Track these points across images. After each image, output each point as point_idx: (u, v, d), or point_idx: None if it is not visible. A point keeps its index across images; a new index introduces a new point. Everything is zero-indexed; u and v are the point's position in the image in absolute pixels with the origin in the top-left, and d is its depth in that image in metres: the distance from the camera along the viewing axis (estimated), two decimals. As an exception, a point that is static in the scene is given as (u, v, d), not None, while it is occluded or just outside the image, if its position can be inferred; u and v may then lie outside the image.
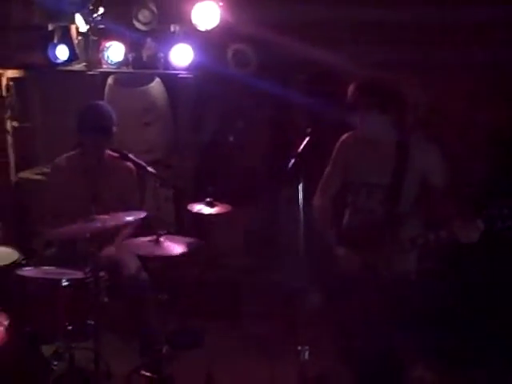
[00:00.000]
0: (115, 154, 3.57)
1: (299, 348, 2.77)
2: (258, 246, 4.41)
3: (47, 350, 3.21)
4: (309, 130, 2.86)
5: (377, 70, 3.00)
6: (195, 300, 4.01)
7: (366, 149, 2.96)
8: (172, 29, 4.48)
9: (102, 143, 3.55)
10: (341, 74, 3.98)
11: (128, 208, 3.41)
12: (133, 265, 3.49)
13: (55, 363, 3.14)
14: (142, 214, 3.13)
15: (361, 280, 2.86)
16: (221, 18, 4.27)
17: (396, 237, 2.85)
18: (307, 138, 2.82)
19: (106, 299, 3.14)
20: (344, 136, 3.07)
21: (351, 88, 2.90)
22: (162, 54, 4.45)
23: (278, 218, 4.29)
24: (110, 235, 3.43)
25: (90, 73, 4.62)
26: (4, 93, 4.70)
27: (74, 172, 3.61)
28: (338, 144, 3.08)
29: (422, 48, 4.18)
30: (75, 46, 4.63)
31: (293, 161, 2.73)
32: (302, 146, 2.79)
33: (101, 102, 3.63)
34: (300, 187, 2.70)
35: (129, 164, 3.53)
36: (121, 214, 3.12)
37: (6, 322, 3.08)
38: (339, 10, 4.19)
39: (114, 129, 3.56)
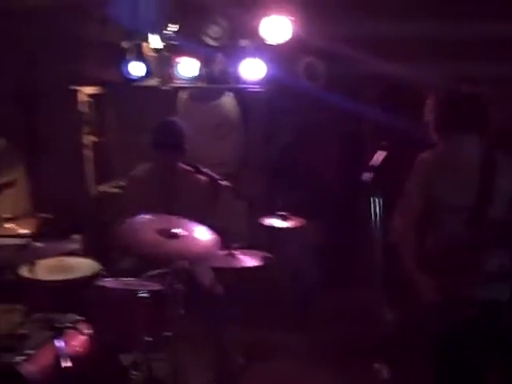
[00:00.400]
0: (188, 168, 3.66)
1: (376, 365, 2.73)
2: (329, 260, 4.39)
3: (126, 359, 3.29)
4: (384, 143, 2.80)
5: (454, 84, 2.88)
6: (268, 313, 4.03)
7: (449, 168, 2.80)
8: (242, 43, 4.55)
9: (174, 159, 3.62)
10: (413, 88, 3.93)
11: (200, 221, 3.48)
12: (208, 277, 3.53)
13: (134, 373, 3.21)
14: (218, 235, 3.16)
15: (440, 309, 2.72)
16: (292, 32, 4.30)
17: (482, 263, 2.68)
18: (383, 152, 2.76)
19: (182, 311, 3.20)
20: (424, 154, 2.90)
21: (434, 103, 2.76)
22: (232, 69, 4.53)
23: (350, 232, 4.26)
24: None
25: (163, 88, 4.74)
26: (83, 109, 4.88)
27: (149, 184, 3.69)
28: (417, 162, 2.90)
29: (502, 63, 4.08)
30: (149, 62, 4.78)
31: (369, 175, 2.67)
32: (378, 160, 2.73)
33: (174, 119, 3.70)
34: (376, 201, 2.66)
35: (201, 177, 3.61)
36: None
37: (87, 331, 3.19)
38: (412, 25, 4.15)
39: (187, 144, 3.62)
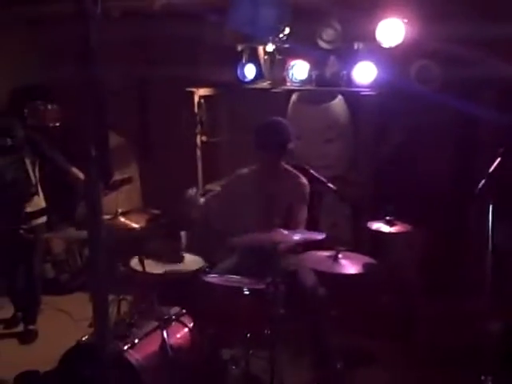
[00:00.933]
0: (291, 168, 3.67)
1: (482, 378, 2.62)
2: (436, 269, 4.25)
3: (225, 354, 3.35)
4: (501, 150, 2.69)
5: None
6: (369, 319, 3.96)
7: None
8: (355, 46, 4.51)
9: (276, 159, 3.64)
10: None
11: (296, 222, 3.49)
12: (310, 279, 3.53)
13: (233, 367, 3.27)
14: (321, 236, 3.16)
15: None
16: (405, 35, 4.22)
17: None
18: (499, 158, 2.65)
19: (282, 311, 3.21)
20: None
21: None
22: (344, 72, 4.50)
23: (458, 239, 4.12)
24: (289, 247, 3.50)
25: (274, 90, 4.80)
26: (196, 109, 5.04)
27: (252, 184, 3.73)
28: None
29: None
30: (262, 65, 4.86)
31: (483, 181, 2.58)
32: (493, 166, 2.63)
33: (278, 119, 3.70)
34: (490, 209, 2.56)
35: (303, 178, 3.61)
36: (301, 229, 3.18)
37: (190, 324, 3.29)
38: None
39: (291, 145, 3.59)
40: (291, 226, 3.46)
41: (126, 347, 2.95)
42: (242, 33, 4.40)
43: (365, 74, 4.36)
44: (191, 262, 3.86)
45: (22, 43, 5.76)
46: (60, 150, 4.92)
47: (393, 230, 3.47)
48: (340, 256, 3.19)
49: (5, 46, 5.60)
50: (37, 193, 4.37)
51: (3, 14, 5.47)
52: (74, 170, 4.40)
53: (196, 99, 5.06)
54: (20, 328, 4.60)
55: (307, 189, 3.65)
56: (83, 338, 3.07)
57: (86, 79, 2.27)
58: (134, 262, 3.76)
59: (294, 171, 3.69)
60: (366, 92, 4.39)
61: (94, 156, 2.47)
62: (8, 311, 4.78)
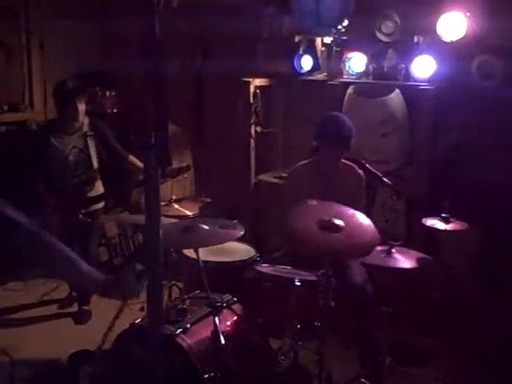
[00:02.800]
0: (347, 162, 3.66)
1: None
2: (491, 269, 4.17)
3: (274, 344, 3.37)
4: None
5: None
6: (420, 316, 3.93)
7: None
8: (415, 40, 4.45)
9: (339, 154, 3.63)
10: None
11: None
12: (360, 274, 3.52)
13: (282, 358, 3.29)
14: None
15: None
16: (467, 29, 4.14)
17: None
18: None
19: (332, 303, 3.21)
20: None
21: None
22: (403, 65, 4.44)
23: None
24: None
25: (330, 82, 4.77)
26: (251, 99, 5.06)
27: (309, 179, 3.73)
28: None
29: None
30: (319, 56, 4.85)
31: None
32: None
33: (341, 114, 3.70)
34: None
35: (359, 172, 3.60)
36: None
37: (240, 312, 3.32)
38: None
39: (353, 140, 3.61)
40: None
41: (177, 331, 3.00)
42: (304, 24, 4.37)
43: (424, 67, 4.29)
44: (243, 251, 3.89)
45: (84, 31, 5.89)
46: (117, 136, 5.04)
47: (448, 227, 3.40)
48: (393, 251, 3.17)
49: (68, 33, 5.75)
50: (97, 178, 4.47)
51: (68, 2, 5.62)
52: (132, 157, 4.50)
53: (252, 89, 5.07)
54: (74, 308, 4.73)
55: (364, 180, 3.66)
56: (136, 321, 3.13)
57: (148, 68, 2.31)
58: (187, 250, 3.82)
59: (350, 163, 3.69)
60: (425, 86, 4.33)
61: (153, 143, 2.52)
62: (63, 291, 4.93)
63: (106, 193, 4.61)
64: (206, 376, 2.90)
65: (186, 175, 4.41)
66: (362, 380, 3.43)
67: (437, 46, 4.28)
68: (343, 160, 3.67)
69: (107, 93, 5.77)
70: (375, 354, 3.43)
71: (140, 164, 4.44)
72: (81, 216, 4.38)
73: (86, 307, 4.67)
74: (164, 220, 2.33)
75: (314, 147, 3.73)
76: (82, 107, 4.31)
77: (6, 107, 5.40)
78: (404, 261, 3.12)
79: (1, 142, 5.45)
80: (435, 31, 4.22)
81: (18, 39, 5.62)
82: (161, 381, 2.71)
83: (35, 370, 3.70)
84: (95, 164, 4.42)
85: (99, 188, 4.52)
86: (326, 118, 3.67)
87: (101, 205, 4.56)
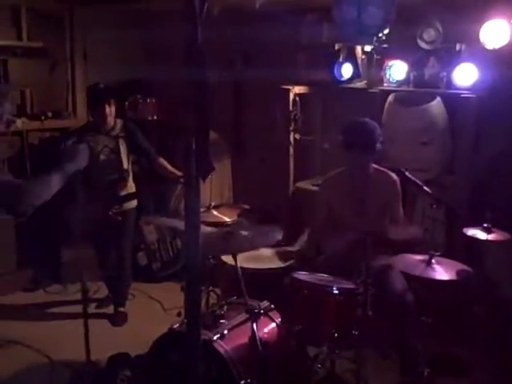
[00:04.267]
0: (380, 168, 3.65)
1: None
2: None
3: (311, 351, 3.35)
4: None
5: None
6: (461, 328, 3.86)
7: None
8: (457, 47, 4.40)
9: (365, 159, 3.63)
10: None
11: (392, 220, 3.46)
12: (399, 283, 3.48)
13: (318, 366, 3.27)
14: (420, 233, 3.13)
15: None
16: (511, 36, 4.08)
17: None
18: None
19: (370, 312, 3.19)
20: None
21: None
22: (444, 73, 4.39)
23: None
24: (382, 248, 3.47)
25: (370, 90, 4.75)
26: (291, 107, 5.08)
27: (341, 188, 3.73)
28: None
29: None
30: (359, 64, 4.83)
31: None
32: None
33: (364, 119, 3.68)
34: None
35: (392, 175, 3.60)
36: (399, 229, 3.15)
37: (278, 320, 3.33)
38: None
39: (378, 145, 3.59)
40: (391, 223, 3.45)
41: (215, 337, 3.02)
42: (346, 32, 4.36)
43: (466, 75, 4.24)
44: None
45: (127, 40, 6.00)
46: (156, 142, 5.11)
47: (490, 237, 3.35)
48: (433, 261, 3.14)
49: (111, 42, 5.86)
50: (128, 178, 4.58)
51: (112, 10, 5.72)
52: (162, 160, 4.60)
53: (291, 97, 5.09)
54: (111, 310, 4.80)
55: (398, 185, 3.65)
56: (175, 326, 3.16)
57: (191, 76, 2.34)
58: (226, 256, 3.85)
59: (383, 169, 3.68)
60: (466, 94, 4.27)
61: (194, 150, 2.55)
62: (104, 292, 5.02)
63: (137, 193, 4.69)
64: (243, 382, 2.92)
65: (221, 181, 4.43)
66: (401, 391, 3.40)
67: (479, 54, 4.23)
68: (377, 167, 3.66)
69: (148, 100, 5.85)
70: (414, 364, 3.39)
71: (170, 168, 4.55)
72: (111, 213, 4.49)
73: (121, 309, 4.74)
74: (203, 226, 2.36)
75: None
76: (110, 110, 4.46)
77: (50, 114, 5.52)
78: (443, 272, 3.09)
79: (44, 147, 5.58)
80: (478, 39, 4.17)
81: (63, 48, 5.75)
82: (198, 386, 2.72)
83: (74, 371, 3.76)
84: (125, 164, 4.53)
85: (131, 188, 4.62)
86: (348, 124, 3.67)
87: (133, 204, 4.65)
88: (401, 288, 3.45)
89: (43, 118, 5.43)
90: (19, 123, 5.18)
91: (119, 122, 4.56)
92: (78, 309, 4.81)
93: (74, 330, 4.39)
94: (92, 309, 4.87)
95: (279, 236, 3.16)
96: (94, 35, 5.81)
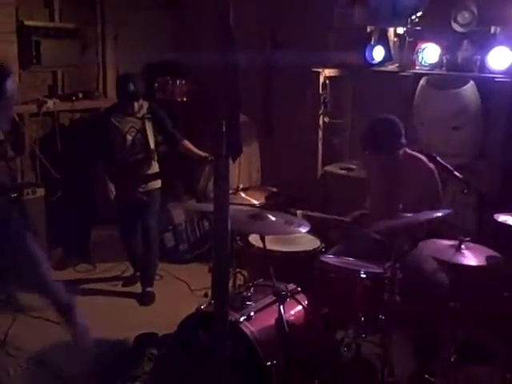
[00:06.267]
0: (415, 154, 3.58)
1: None
2: None
3: (338, 335, 3.34)
4: None
5: None
6: (490, 314, 3.82)
7: None
8: (492, 30, 4.31)
9: (382, 157, 3.55)
10: None
11: (432, 207, 3.39)
12: (430, 263, 3.44)
13: (344, 349, 3.27)
14: (448, 211, 3.09)
15: None
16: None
17: None
18: None
19: (397, 298, 3.16)
20: None
21: None
22: (478, 57, 4.32)
23: None
24: (412, 233, 3.43)
25: (402, 74, 4.69)
26: (320, 90, 5.04)
27: (375, 167, 3.69)
28: None
29: None
30: (391, 47, 4.77)
31: None
32: None
33: (382, 118, 3.58)
34: None
35: (429, 165, 3.51)
36: (425, 212, 3.12)
37: (304, 302, 3.33)
38: None
39: (403, 139, 3.50)
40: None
41: (241, 319, 3.03)
42: (380, 14, 4.30)
43: (500, 59, 4.16)
44: (308, 241, 3.89)
45: (157, 21, 6.02)
46: (184, 123, 5.12)
47: (521, 223, 3.30)
48: (463, 246, 3.10)
49: (142, 23, 5.88)
50: (154, 158, 4.63)
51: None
52: (187, 142, 4.65)
53: (321, 80, 5.05)
54: (138, 289, 4.85)
55: (433, 171, 3.52)
56: (202, 307, 3.18)
57: (222, 58, 2.33)
58: (252, 237, 3.85)
59: (418, 155, 3.59)
60: (501, 79, 4.19)
61: (224, 132, 2.55)
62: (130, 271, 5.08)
63: (170, 176, 4.75)
64: (269, 363, 2.93)
65: (249, 163, 4.44)
66: (426, 376, 3.38)
67: (515, 38, 4.15)
68: (411, 152, 3.59)
69: (177, 82, 5.86)
70: (440, 349, 3.37)
71: (195, 149, 4.60)
72: (138, 193, 4.56)
73: (150, 289, 4.79)
74: (231, 207, 2.36)
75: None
76: (138, 104, 4.57)
77: (80, 95, 5.57)
78: (473, 258, 3.05)
79: (75, 127, 5.64)
80: (514, 22, 4.09)
81: (94, 29, 5.79)
82: (224, 367, 2.75)
83: (102, 350, 3.81)
84: (152, 145, 4.61)
85: (155, 168, 4.67)
86: (368, 128, 3.56)
87: (158, 184, 4.71)
88: (432, 268, 3.40)
89: (74, 98, 5.47)
90: (50, 104, 5.23)
91: (145, 103, 4.63)
92: (107, 287, 4.94)
93: (103, 308, 4.49)
94: (119, 287, 4.94)
95: (307, 229, 3.13)
96: (125, 17, 5.84)
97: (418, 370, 3.42)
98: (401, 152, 3.54)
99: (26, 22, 5.12)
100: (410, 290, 3.18)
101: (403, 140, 3.50)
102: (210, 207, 2.39)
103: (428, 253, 3.36)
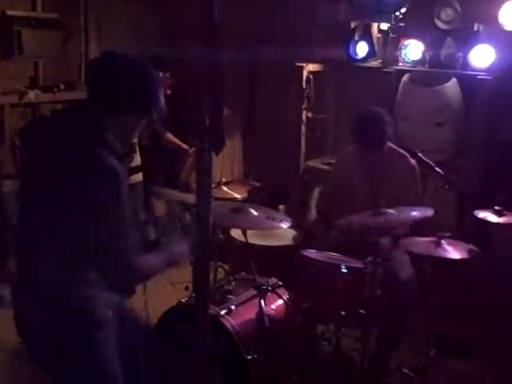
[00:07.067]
0: (398, 149, 3.59)
1: None
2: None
3: (318, 329, 3.36)
4: None
5: None
6: (469, 309, 3.86)
7: None
8: (475, 28, 4.34)
9: (373, 149, 3.55)
10: None
11: (407, 204, 3.41)
12: (407, 270, 3.45)
13: (324, 343, 3.29)
14: (430, 212, 3.10)
15: None
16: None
17: None
18: None
19: (378, 292, 3.17)
20: None
21: None
22: (461, 54, 4.34)
23: None
24: (391, 229, 3.45)
25: (385, 70, 4.71)
26: (304, 85, 5.04)
27: (356, 163, 3.68)
28: None
29: None
30: (374, 43, 4.78)
31: None
32: None
33: (371, 111, 3.57)
34: None
35: (412, 161, 3.53)
36: (407, 209, 3.13)
37: (285, 297, 3.33)
38: None
39: (389, 130, 3.50)
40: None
41: (222, 312, 3.03)
42: (364, 10, 4.30)
43: (483, 57, 4.19)
44: (289, 235, 3.90)
45: (141, 13, 5.98)
46: (168, 116, 5.09)
47: (501, 220, 3.31)
48: (443, 242, 3.12)
49: (125, 15, 5.84)
50: (136, 150, 4.59)
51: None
52: (169, 135, 4.61)
53: (305, 74, 5.05)
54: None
55: (415, 168, 3.56)
56: (183, 300, 3.18)
57: (206, 52, 2.32)
58: (234, 231, 3.85)
59: (401, 151, 3.61)
60: (483, 76, 4.22)
61: (207, 125, 2.53)
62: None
63: (151, 168, 4.71)
64: (249, 357, 2.93)
65: (232, 157, 4.43)
66: (405, 370, 3.41)
67: (497, 35, 4.18)
68: (394, 147, 3.60)
69: (161, 74, 5.82)
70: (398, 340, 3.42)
71: (177, 141, 4.56)
72: None
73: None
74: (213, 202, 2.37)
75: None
76: None
77: (62, 86, 5.50)
78: (453, 252, 3.07)
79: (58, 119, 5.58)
80: (497, 20, 4.12)
81: (77, 20, 5.72)
82: (204, 360, 2.74)
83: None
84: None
85: (138, 160, 4.63)
86: (357, 120, 3.57)
87: (140, 177, 4.66)
88: (407, 276, 3.40)
89: (56, 90, 5.41)
90: (32, 95, 5.17)
91: None
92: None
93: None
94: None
95: (287, 224, 3.14)
96: (109, 8, 5.78)
97: (398, 363, 3.45)
98: (385, 146, 3.56)
99: (8, 12, 5.05)
100: (388, 288, 3.19)
101: (390, 133, 3.52)
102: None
103: (408, 248, 3.36)
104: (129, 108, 2.32)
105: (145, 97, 2.33)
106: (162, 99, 2.43)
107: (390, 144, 3.57)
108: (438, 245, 3.11)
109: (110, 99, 2.28)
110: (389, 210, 3.05)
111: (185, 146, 4.48)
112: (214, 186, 3.99)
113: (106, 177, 2.15)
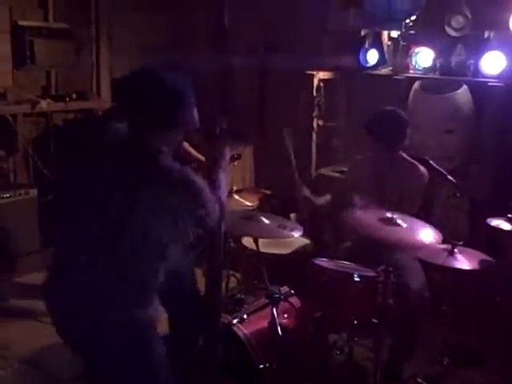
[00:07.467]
0: (409, 158, 3.59)
1: None
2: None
3: (330, 338, 3.34)
4: None
5: None
6: (482, 319, 3.83)
7: None
8: (485, 35, 4.33)
9: (389, 148, 3.56)
10: None
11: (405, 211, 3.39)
12: (419, 278, 3.44)
13: (337, 353, 3.27)
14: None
15: None
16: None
17: None
18: None
19: (391, 300, 3.16)
20: None
21: None
22: (471, 61, 4.33)
23: None
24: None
25: (396, 77, 4.70)
26: (314, 93, 5.05)
27: (367, 171, 3.68)
28: None
29: None
30: (385, 50, 4.78)
31: None
32: None
33: (392, 109, 3.59)
34: None
35: (420, 168, 3.51)
36: (417, 224, 3.09)
37: (297, 305, 3.32)
38: None
39: (408, 131, 3.51)
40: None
41: (234, 321, 3.03)
42: (374, 17, 4.30)
43: (493, 64, 4.18)
44: (301, 244, 3.89)
45: (152, 22, 6.01)
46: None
47: (513, 228, 3.31)
48: (456, 250, 3.11)
49: (136, 24, 5.87)
50: None
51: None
52: (185, 144, 4.60)
53: (315, 82, 5.06)
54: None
55: (424, 179, 3.53)
56: (195, 309, 3.17)
57: (216, 59, 2.33)
58: (246, 240, 3.85)
59: (413, 161, 3.60)
60: (494, 83, 4.21)
61: (217, 133, 2.54)
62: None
63: None
64: (262, 366, 2.93)
65: (235, 163, 4.41)
66: (418, 380, 3.39)
67: (508, 42, 4.17)
68: (406, 157, 3.60)
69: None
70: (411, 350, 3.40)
71: (193, 152, 4.54)
72: None
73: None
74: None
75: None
76: None
77: (74, 95, 5.54)
78: (466, 262, 3.06)
79: (69, 128, 5.63)
80: (507, 26, 4.10)
81: (88, 30, 5.76)
82: (216, 369, 2.74)
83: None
84: None
85: None
86: (375, 114, 3.59)
87: None
88: (419, 286, 3.38)
89: (68, 99, 5.45)
90: (44, 104, 5.20)
91: None
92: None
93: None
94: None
95: (299, 232, 3.14)
96: (120, 18, 5.82)
97: (411, 373, 3.43)
98: (397, 154, 3.55)
99: (20, 22, 5.10)
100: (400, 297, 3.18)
101: (406, 140, 3.51)
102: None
103: (421, 256, 3.34)
104: (175, 125, 2.39)
105: (186, 112, 2.39)
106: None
107: (402, 154, 3.57)
108: (451, 253, 3.10)
109: (157, 117, 2.33)
110: (398, 219, 3.00)
111: (201, 158, 4.46)
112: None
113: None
